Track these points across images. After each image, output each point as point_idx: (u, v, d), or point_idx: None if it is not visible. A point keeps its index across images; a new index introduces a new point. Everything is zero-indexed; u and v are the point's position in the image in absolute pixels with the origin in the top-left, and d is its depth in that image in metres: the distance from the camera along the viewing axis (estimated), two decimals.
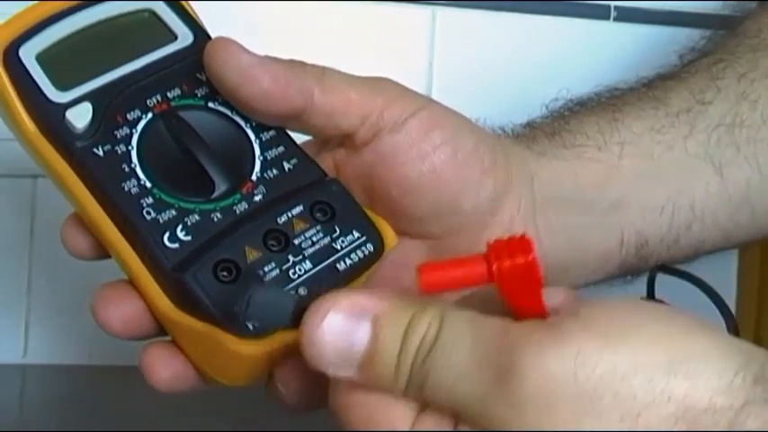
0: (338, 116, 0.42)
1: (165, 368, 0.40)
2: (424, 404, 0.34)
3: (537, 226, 0.46)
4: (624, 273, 0.50)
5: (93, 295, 0.40)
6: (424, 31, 0.66)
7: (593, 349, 0.31)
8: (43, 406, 0.59)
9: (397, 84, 0.44)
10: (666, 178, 0.49)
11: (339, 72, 0.43)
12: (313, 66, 0.42)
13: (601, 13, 0.68)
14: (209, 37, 0.43)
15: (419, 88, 0.64)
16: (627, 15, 0.68)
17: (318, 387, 0.39)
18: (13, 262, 0.63)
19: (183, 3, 0.44)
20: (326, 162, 0.44)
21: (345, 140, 0.43)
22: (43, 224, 0.63)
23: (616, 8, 0.68)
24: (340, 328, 0.34)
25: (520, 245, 0.33)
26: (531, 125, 0.50)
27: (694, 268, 0.48)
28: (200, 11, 0.57)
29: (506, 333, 0.32)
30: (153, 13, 0.44)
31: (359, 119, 0.42)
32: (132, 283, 0.40)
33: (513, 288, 0.33)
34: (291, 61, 0.42)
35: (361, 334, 0.34)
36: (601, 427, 0.31)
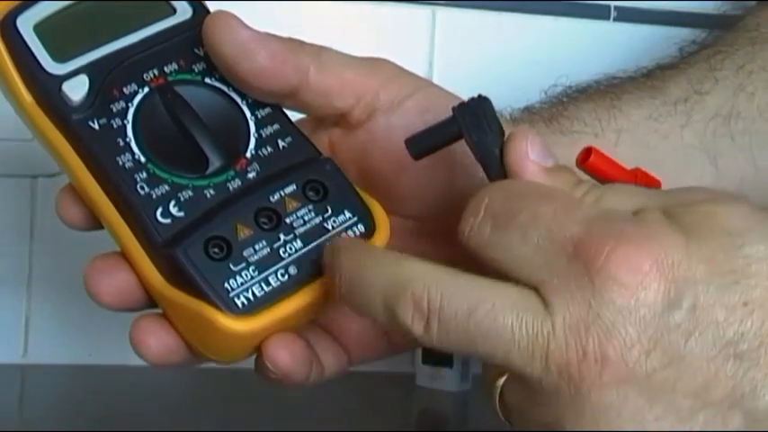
0: (333, 95, 0.42)
1: (155, 341, 0.39)
2: None
3: None
4: None
5: (86, 265, 0.40)
6: (424, 31, 0.66)
7: None
8: (43, 406, 0.59)
9: (395, 65, 0.44)
10: (661, 168, 0.48)
11: (336, 51, 0.43)
12: (311, 44, 0.42)
13: (601, 13, 0.68)
14: (208, 11, 0.43)
15: None
16: (627, 15, 0.68)
17: (305, 364, 0.40)
18: (13, 262, 0.63)
19: None
20: (322, 141, 0.44)
21: (340, 120, 0.43)
22: (43, 224, 0.63)
23: (616, 8, 0.68)
24: (544, 146, 0.38)
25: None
26: (529, 110, 0.50)
27: None
28: None
29: None
30: None
31: (354, 99, 0.42)
32: (125, 255, 0.40)
33: None
34: (290, 39, 0.42)
35: (553, 157, 0.37)
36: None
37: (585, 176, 0.39)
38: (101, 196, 0.40)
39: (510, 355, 0.33)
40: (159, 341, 0.39)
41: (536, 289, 0.33)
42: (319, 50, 0.42)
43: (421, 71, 0.65)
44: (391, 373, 0.63)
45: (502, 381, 0.35)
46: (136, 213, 0.39)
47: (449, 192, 0.43)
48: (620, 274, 0.32)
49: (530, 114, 0.49)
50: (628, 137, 0.49)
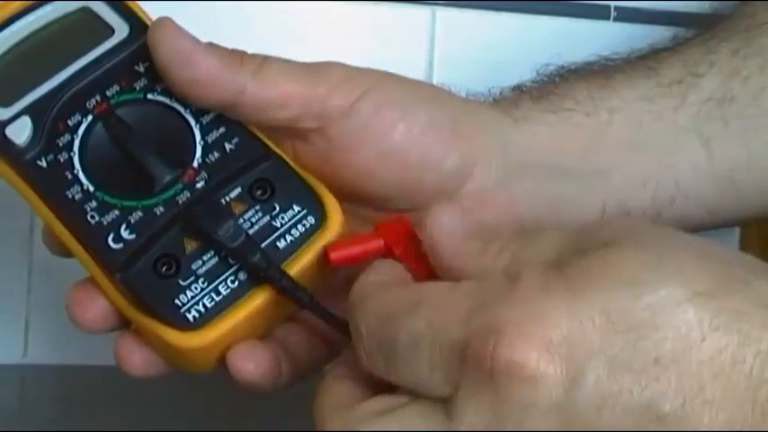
0: (273, 108, 0.41)
1: (135, 356, 0.41)
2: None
3: (513, 193, 0.45)
4: None
5: (65, 295, 0.42)
6: (424, 31, 0.66)
7: None
8: (43, 406, 0.59)
9: (343, 67, 0.43)
10: (653, 149, 0.48)
11: (279, 62, 0.42)
12: (253, 56, 0.42)
13: (601, 13, 0.68)
14: (146, 26, 0.42)
15: None
16: (627, 15, 0.68)
17: (272, 370, 0.40)
18: (13, 262, 0.63)
19: None
20: (286, 147, 0.43)
21: (290, 130, 0.43)
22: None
23: (616, 8, 0.68)
24: None
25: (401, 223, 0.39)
26: (519, 88, 0.49)
27: None
28: (202, 11, 0.57)
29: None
30: (89, 11, 0.43)
31: (299, 110, 0.42)
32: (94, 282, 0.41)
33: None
34: (232, 51, 0.42)
35: None
36: None
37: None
38: (62, 230, 0.41)
39: None
40: (139, 356, 0.41)
41: (444, 401, 0.32)
42: (261, 62, 0.41)
43: (421, 71, 0.65)
44: None
45: None
46: (91, 243, 0.40)
47: (418, 188, 0.43)
48: (511, 369, 0.30)
49: (519, 93, 0.48)
50: (620, 116, 0.48)
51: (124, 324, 0.42)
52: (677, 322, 0.30)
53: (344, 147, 0.42)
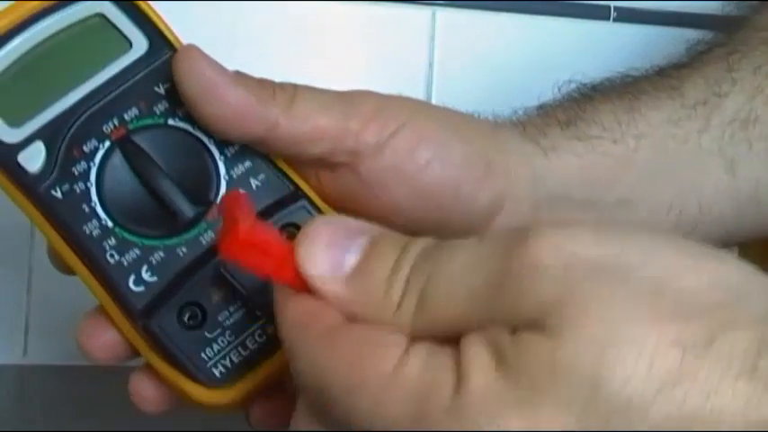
0: (306, 144, 0.40)
1: (150, 394, 0.40)
2: (415, 333, 0.30)
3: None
4: None
5: (77, 326, 0.40)
6: (424, 31, 0.66)
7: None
8: (43, 406, 0.59)
9: (376, 97, 0.41)
10: (677, 174, 0.47)
11: (311, 93, 0.40)
12: (283, 89, 0.40)
13: (601, 13, 0.68)
14: (164, 39, 0.40)
15: (419, 88, 0.64)
16: (627, 15, 0.68)
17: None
18: (13, 262, 0.63)
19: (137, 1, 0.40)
20: (311, 177, 0.41)
21: (320, 163, 0.41)
22: None
23: (616, 8, 0.68)
24: (335, 240, 0.31)
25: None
26: (543, 109, 0.48)
27: None
28: (203, 12, 0.57)
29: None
30: (103, 18, 0.40)
31: (331, 144, 0.40)
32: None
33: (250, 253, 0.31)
34: (262, 82, 0.39)
35: (357, 245, 0.31)
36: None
37: (408, 257, 0.31)
38: (77, 263, 0.39)
39: None
40: (155, 394, 0.40)
41: None
42: (293, 96, 0.40)
43: (421, 71, 0.65)
44: None
45: None
46: (110, 283, 0.38)
47: (448, 226, 0.42)
48: None
49: (545, 116, 0.47)
50: (647, 142, 0.47)
51: (138, 355, 0.40)
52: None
53: (374, 183, 0.41)
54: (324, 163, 0.41)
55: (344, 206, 0.41)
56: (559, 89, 0.49)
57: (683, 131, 0.47)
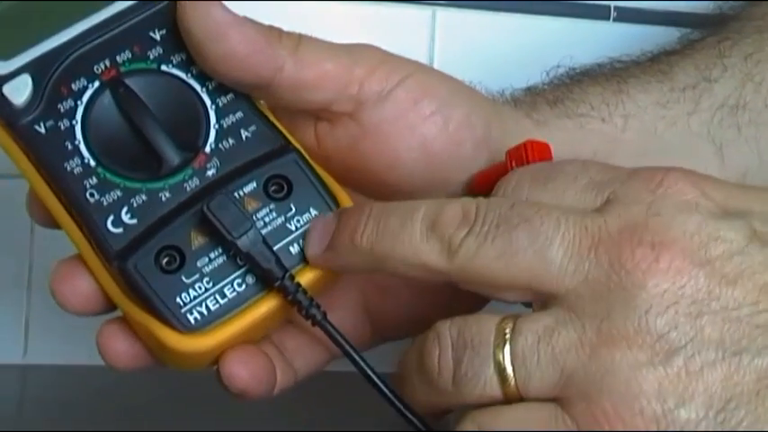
0: (309, 90, 0.39)
1: (120, 346, 0.39)
2: None
3: None
4: None
5: (50, 273, 0.39)
6: (424, 31, 0.66)
7: None
8: (43, 406, 0.59)
9: (380, 51, 0.41)
10: (666, 156, 0.47)
11: (317, 41, 0.40)
12: (289, 35, 0.40)
13: (601, 13, 0.68)
14: None
15: None
16: (627, 15, 0.68)
17: (266, 379, 0.38)
18: (13, 262, 0.63)
19: None
20: (307, 132, 0.41)
21: (321, 113, 0.41)
22: None
23: (616, 8, 0.68)
24: None
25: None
26: (531, 91, 0.48)
27: None
28: None
29: None
30: None
31: (335, 92, 0.40)
32: (83, 261, 0.38)
33: None
34: (269, 27, 0.39)
35: None
36: None
37: None
38: (54, 203, 0.38)
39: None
40: (123, 348, 0.39)
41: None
42: (298, 41, 0.39)
43: None
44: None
45: (510, 326, 0.34)
46: (87, 222, 0.37)
47: (444, 187, 0.42)
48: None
49: (532, 95, 0.47)
50: (635, 123, 0.47)
51: (111, 308, 0.39)
52: None
53: (376, 134, 0.40)
54: (324, 114, 0.40)
55: (342, 161, 0.41)
56: (547, 73, 0.50)
57: (672, 113, 0.48)
